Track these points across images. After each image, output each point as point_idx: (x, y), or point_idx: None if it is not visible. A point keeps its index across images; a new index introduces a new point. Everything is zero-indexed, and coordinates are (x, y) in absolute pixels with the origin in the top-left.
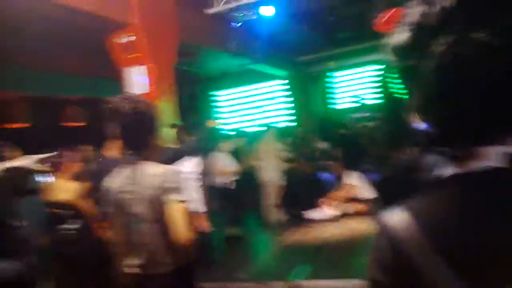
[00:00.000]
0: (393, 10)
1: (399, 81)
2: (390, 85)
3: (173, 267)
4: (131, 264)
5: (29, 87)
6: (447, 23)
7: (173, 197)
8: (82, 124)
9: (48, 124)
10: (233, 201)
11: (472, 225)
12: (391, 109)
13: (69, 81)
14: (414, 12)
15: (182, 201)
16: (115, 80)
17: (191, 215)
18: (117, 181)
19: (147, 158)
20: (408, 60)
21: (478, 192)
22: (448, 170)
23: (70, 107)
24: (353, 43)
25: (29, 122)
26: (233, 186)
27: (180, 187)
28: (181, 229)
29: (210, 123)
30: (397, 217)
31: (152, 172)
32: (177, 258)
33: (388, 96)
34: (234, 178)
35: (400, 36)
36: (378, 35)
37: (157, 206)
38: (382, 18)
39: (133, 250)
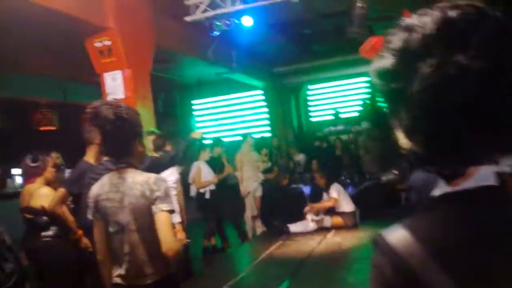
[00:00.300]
0: (375, 38)
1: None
2: (376, 103)
3: (157, 278)
4: (113, 274)
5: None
6: (428, 48)
7: (159, 206)
8: (53, 128)
9: (18, 127)
10: (211, 211)
11: (469, 243)
12: (379, 126)
13: (40, 83)
14: (395, 39)
15: (168, 210)
16: (89, 84)
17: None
18: (98, 188)
19: (129, 166)
20: (393, 83)
21: (473, 210)
22: (441, 189)
23: (41, 111)
24: (330, 56)
25: None
26: (208, 196)
27: (166, 195)
28: (169, 239)
29: (193, 134)
30: (397, 236)
31: (136, 180)
32: (161, 269)
33: (374, 113)
34: (211, 188)
35: (384, 61)
36: (354, 50)
37: (140, 215)
38: (365, 46)
39: (115, 259)
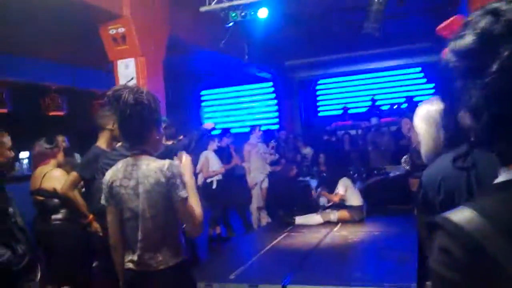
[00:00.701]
0: (453, 17)
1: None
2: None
3: (170, 264)
4: (126, 260)
5: (11, 72)
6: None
7: (180, 194)
8: (62, 113)
9: (27, 112)
10: (217, 200)
11: None
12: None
13: (51, 69)
14: (482, 21)
15: (185, 197)
16: (99, 71)
17: None
18: (112, 174)
19: (144, 152)
20: (471, 61)
21: None
22: (504, 177)
23: (51, 96)
24: (342, 51)
25: (8, 108)
26: (215, 186)
27: (181, 181)
28: (193, 224)
29: (206, 125)
30: (463, 216)
31: (150, 167)
32: (174, 256)
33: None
34: (218, 178)
35: (466, 40)
36: (367, 45)
37: (155, 202)
38: (444, 25)
39: (128, 245)
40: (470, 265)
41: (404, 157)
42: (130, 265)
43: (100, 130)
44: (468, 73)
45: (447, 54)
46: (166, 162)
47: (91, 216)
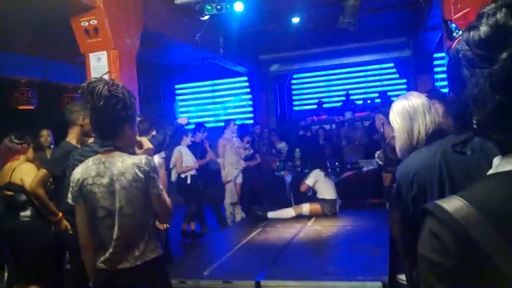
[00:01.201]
0: (468, 9)
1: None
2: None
3: (146, 259)
4: (99, 261)
5: None
6: None
7: (157, 188)
8: (32, 107)
9: None
10: (192, 196)
11: None
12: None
13: (20, 62)
14: (498, 13)
15: (161, 193)
16: (71, 64)
17: None
18: (82, 172)
19: (116, 149)
20: (482, 50)
21: None
22: (495, 169)
23: (21, 89)
24: (317, 46)
25: None
26: (189, 181)
27: (157, 177)
28: (167, 219)
29: (180, 120)
30: (454, 205)
31: (126, 163)
32: (150, 251)
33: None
34: (192, 173)
35: (480, 30)
36: (342, 40)
37: (134, 199)
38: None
39: (100, 245)
40: (458, 252)
41: (378, 152)
42: (103, 266)
43: (70, 125)
44: (477, 62)
45: (459, 43)
46: (143, 157)
47: (60, 214)
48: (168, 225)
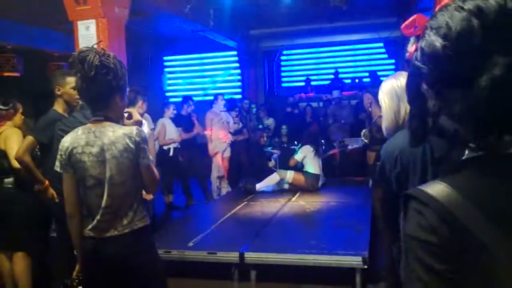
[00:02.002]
0: (416, 15)
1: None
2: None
3: (134, 228)
4: (86, 228)
5: None
6: (492, 42)
7: (146, 159)
8: (18, 74)
9: None
10: (172, 168)
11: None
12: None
13: (5, 28)
14: (453, 24)
15: (150, 163)
16: (58, 32)
17: None
18: (71, 141)
19: (107, 119)
20: (445, 68)
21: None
22: (470, 154)
23: (6, 55)
24: (308, 23)
25: None
26: (171, 154)
27: (147, 148)
28: (154, 189)
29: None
30: (437, 189)
31: (117, 133)
32: (138, 220)
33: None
34: (174, 146)
35: (435, 44)
36: (333, 18)
37: (125, 169)
38: (407, 23)
39: (88, 213)
40: (443, 229)
41: (364, 130)
42: (91, 233)
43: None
44: (446, 80)
45: (416, 54)
46: (133, 128)
47: (47, 182)
48: (152, 196)
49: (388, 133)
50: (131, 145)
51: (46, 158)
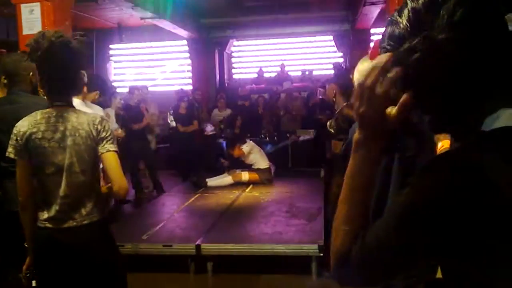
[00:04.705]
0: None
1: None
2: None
3: (93, 219)
4: (42, 218)
5: None
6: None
7: (106, 146)
8: None
9: None
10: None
11: None
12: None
13: None
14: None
15: (115, 151)
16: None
17: None
18: (29, 125)
19: (69, 104)
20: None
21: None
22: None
23: None
24: (260, 13)
25: None
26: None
27: (111, 136)
28: (120, 178)
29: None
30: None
31: (80, 120)
32: (98, 211)
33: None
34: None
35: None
36: (285, 9)
37: (87, 156)
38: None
39: (44, 202)
40: (467, 187)
41: (330, 120)
42: (47, 224)
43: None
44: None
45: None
46: (98, 116)
47: None
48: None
49: None
50: (94, 133)
51: None
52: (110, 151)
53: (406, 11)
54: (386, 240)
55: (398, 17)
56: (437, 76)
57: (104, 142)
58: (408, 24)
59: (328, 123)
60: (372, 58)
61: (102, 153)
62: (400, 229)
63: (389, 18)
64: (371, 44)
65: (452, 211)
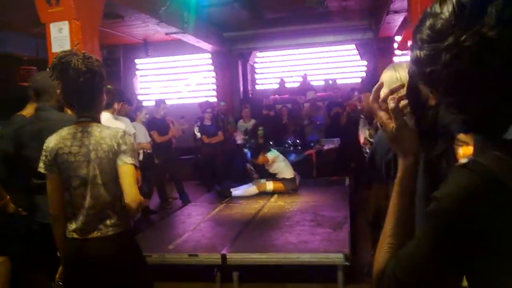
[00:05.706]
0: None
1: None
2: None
3: (117, 231)
4: (70, 230)
5: None
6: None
7: (123, 159)
8: None
9: None
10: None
11: None
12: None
13: None
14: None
15: (132, 164)
16: (28, 35)
17: None
18: (57, 141)
19: (94, 120)
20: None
21: None
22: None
23: None
24: (281, 24)
25: None
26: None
27: (131, 150)
28: (133, 191)
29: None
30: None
31: (103, 134)
32: (122, 223)
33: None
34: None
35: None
36: (306, 19)
37: (108, 169)
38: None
39: (72, 213)
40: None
41: (369, 130)
42: (74, 235)
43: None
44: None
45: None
46: (120, 130)
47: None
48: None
49: None
50: (115, 147)
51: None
52: (126, 164)
53: (450, 5)
54: (422, 260)
55: (439, 10)
56: (482, 73)
57: (122, 155)
58: (453, 17)
59: (367, 133)
60: (401, 47)
61: (119, 165)
62: (435, 248)
63: (428, 10)
64: (396, 52)
65: (479, 221)
